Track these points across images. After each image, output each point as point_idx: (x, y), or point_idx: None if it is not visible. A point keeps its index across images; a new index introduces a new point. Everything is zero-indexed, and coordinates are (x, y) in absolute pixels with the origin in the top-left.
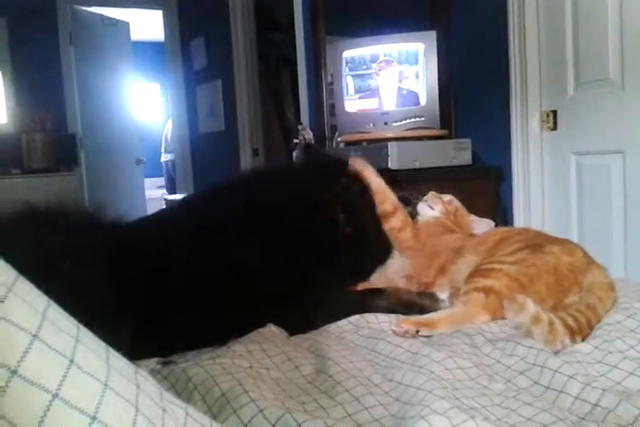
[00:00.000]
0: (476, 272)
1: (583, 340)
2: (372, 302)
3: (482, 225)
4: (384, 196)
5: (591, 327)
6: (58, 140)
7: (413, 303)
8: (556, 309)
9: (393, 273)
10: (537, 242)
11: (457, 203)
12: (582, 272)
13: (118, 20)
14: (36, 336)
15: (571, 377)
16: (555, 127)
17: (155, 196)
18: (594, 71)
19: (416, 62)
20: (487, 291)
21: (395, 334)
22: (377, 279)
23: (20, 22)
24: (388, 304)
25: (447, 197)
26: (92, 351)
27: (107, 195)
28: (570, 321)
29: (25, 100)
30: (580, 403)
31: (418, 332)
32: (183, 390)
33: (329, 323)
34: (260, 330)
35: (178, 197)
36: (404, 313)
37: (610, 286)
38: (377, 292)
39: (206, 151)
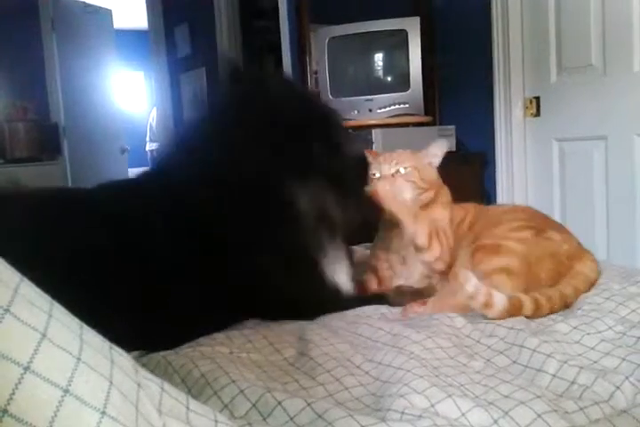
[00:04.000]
0: (483, 248)
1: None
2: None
3: (436, 146)
4: (417, 230)
5: (553, 312)
6: (41, 130)
7: None
8: None
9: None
10: (537, 224)
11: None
12: (576, 259)
13: (100, 8)
14: (7, 310)
15: (549, 356)
16: (538, 113)
17: None
18: (576, 57)
19: (399, 48)
20: (507, 272)
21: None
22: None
23: None
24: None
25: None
26: (66, 326)
27: (90, 184)
28: (527, 302)
29: (7, 89)
30: (557, 381)
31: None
32: (163, 375)
33: None
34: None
35: None
36: None
37: (591, 280)
38: (380, 298)
39: None
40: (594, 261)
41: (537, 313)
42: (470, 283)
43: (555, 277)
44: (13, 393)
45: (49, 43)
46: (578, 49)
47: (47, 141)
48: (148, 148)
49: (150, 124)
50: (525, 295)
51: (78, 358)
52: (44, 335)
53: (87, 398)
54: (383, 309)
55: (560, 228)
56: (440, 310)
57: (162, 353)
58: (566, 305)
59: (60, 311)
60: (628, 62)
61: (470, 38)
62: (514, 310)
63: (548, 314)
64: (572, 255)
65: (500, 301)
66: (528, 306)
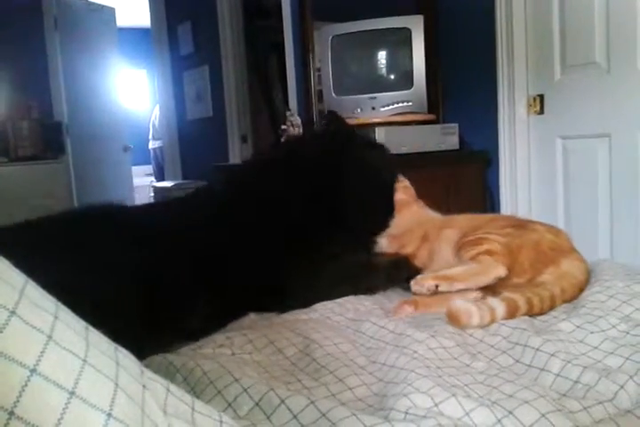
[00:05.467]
0: (467, 242)
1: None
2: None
3: None
4: None
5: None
6: (44, 128)
7: None
8: (530, 283)
9: None
10: (521, 222)
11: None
12: (563, 254)
13: (104, 6)
14: (13, 313)
15: (552, 355)
16: (541, 111)
17: (143, 183)
18: (580, 55)
19: (403, 47)
20: (490, 253)
21: (415, 292)
22: None
23: (3, 8)
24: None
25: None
26: (71, 328)
27: (94, 183)
28: (520, 303)
29: (10, 87)
30: (561, 380)
31: (437, 287)
32: (165, 375)
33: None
34: (240, 319)
35: (166, 184)
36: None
37: (579, 284)
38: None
39: (194, 138)
40: (581, 260)
41: (529, 313)
42: (474, 317)
43: (535, 264)
44: (20, 395)
45: (52, 41)
46: (582, 46)
47: (50, 140)
48: (150, 146)
49: (153, 123)
50: (520, 296)
51: (84, 360)
52: (50, 337)
53: (93, 399)
54: (385, 303)
55: (547, 225)
56: (428, 311)
57: (162, 355)
58: (553, 307)
59: (65, 313)
60: (633, 60)
61: (474, 36)
62: (512, 313)
63: (538, 314)
64: (558, 248)
65: (500, 311)
66: (523, 307)
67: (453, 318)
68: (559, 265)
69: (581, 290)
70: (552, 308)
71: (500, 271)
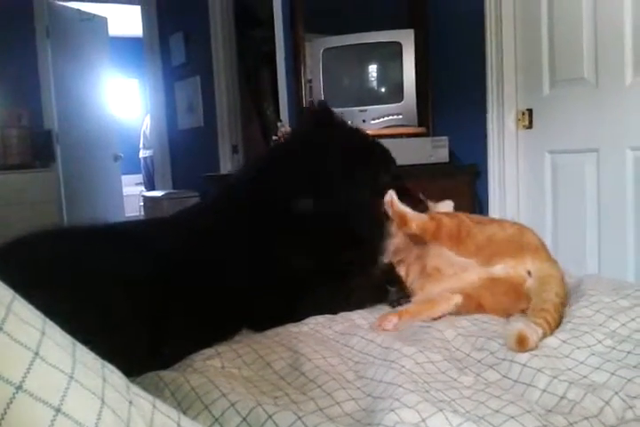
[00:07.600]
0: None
1: None
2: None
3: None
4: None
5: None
6: (34, 136)
7: None
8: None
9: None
10: (496, 220)
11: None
12: (528, 252)
13: (96, 15)
14: None
15: (539, 370)
16: (530, 126)
17: (133, 193)
18: (569, 70)
19: (394, 60)
20: (434, 218)
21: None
22: None
23: None
24: None
25: None
26: (58, 345)
27: (83, 191)
28: (546, 328)
29: (1, 95)
30: (547, 395)
31: (400, 320)
32: (154, 390)
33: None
34: None
35: (156, 194)
36: None
37: (562, 279)
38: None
39: (185, 148)
40: (550, 260)
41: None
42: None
43: (484, 252)
44: (5, 413)
45: (43, 50)
46: (570, 62)
47: (41, 148)
48: (141, 155)
49: (144, 132)
50: (543, 321)
51: (70, 377)
52: (36, 354)
53: (79, 416)
54: (374, 317)
55: (519, 224)
56: (413, 320)
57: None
58: (562, 316)
59: (52, 329)
60: (620, 76)
61: (464, 51)
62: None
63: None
64: (520, 242)
65: (540, 335)
66: (547, 330)
67: (522, 343)
68: (522, 260)
69: (565, 285)
70: (562, 316)
71: (457, 299)
